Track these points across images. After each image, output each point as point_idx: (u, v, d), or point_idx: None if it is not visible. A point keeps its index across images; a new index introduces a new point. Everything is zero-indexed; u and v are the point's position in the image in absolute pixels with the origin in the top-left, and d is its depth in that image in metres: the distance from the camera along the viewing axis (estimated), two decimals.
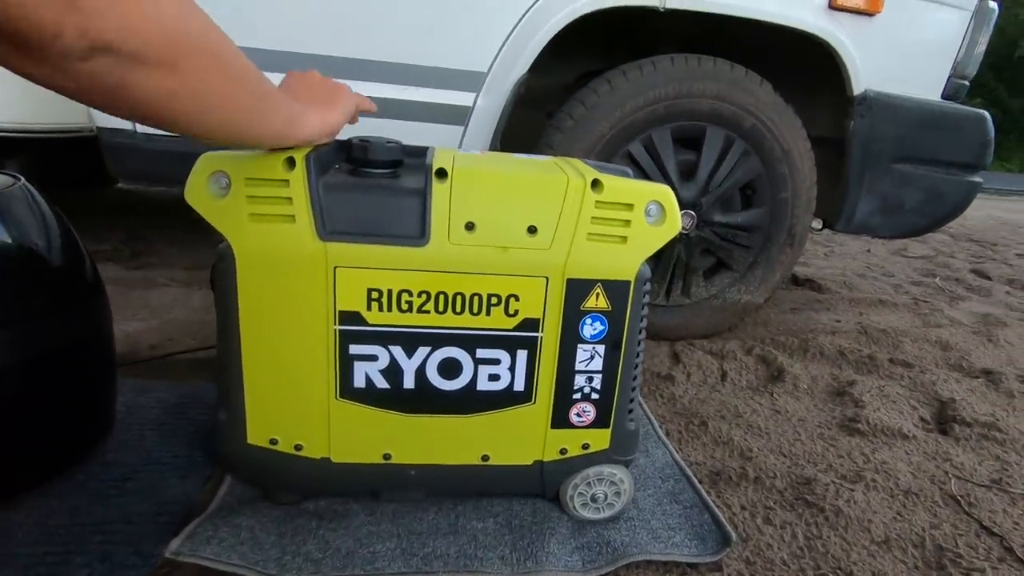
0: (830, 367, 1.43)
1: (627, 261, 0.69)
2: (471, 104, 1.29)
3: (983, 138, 1.48)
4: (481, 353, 0.70)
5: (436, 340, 0.69)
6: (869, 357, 1.47)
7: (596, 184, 0.67)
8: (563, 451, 0.76)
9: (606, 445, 0.77)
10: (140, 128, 1.26)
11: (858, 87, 1.38)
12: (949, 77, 1.46)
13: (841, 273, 2.52)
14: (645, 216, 0.69)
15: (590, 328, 0.71)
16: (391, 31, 1.24)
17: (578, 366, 0.72)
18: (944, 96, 1.48)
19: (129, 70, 0.38)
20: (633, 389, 0.76)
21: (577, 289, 0.69)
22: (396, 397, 0.70)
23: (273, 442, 0.70)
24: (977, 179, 1.54)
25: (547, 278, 0.68)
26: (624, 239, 0.69)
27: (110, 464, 0.82)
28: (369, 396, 0.70)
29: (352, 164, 0.69)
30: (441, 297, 0.67)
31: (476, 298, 0.68)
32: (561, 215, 0.67)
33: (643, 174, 1.33)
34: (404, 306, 0.67)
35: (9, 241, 0.72)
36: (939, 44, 1.44)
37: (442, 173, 0.65)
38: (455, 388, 0.71)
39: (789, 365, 1.38)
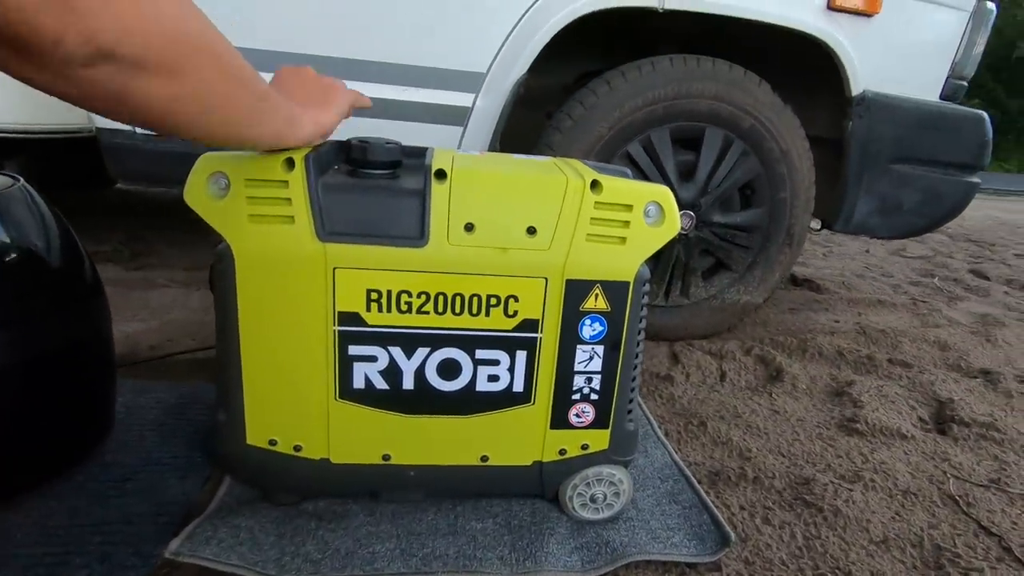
0: (829, 367, 1.43)
1: (626, 262, 0.69)
2: (470, 105, 1.29)
3: (981, 139, 1.48)
4: (480, 354, 0.70)
5: (435, 341, 0.69)
6: (868, 357, 1.47)
7: (595, 185, 0.68)
8: (562, 452, 0.76)
9: (605, 446, 0.77)
10: (140, 129, 1.26)
11: (856, 88, 1.39)
12: (947, 78, 1.47)
13: (840, 273, 2.53)
14: (644, 217, 0.69)
15: (589, 329, 0.71)
16: (390, 32, 1.24)
17: (577, 367, 0.72)
18: (942, 97, 1.48)
19: (131, 76, 0.38)
20: (632, 390, 0.76)
21: (576, 290, 0.69)
22: (395, 398, 0.70)
23: (272, 443, 0.70)
24: (975, 179, 1.54)
25: (546, 279, 0.68)
26: (623, 240, 0.69)
27: (109, 465, 0.82)
28: (368, 397, 0.70)
29: (351, 165, 0.69)
30: (440, 298, 0.67)
31: (475, 299, 0.68)
32: (560, 216, 0.67)
33: (642, 175, 1.33)
34: (403, 307, 0.67)
35: (8, 242, 0.72)
36: (937, 45, 1.44)
37: (441, 174, 0.65)
38: (454, 389, 0.71)
39: (788, 365, 1.38)
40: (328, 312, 0.66)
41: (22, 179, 0.80)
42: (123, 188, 2.95)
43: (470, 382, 0.71)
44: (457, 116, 1.29)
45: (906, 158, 1.47)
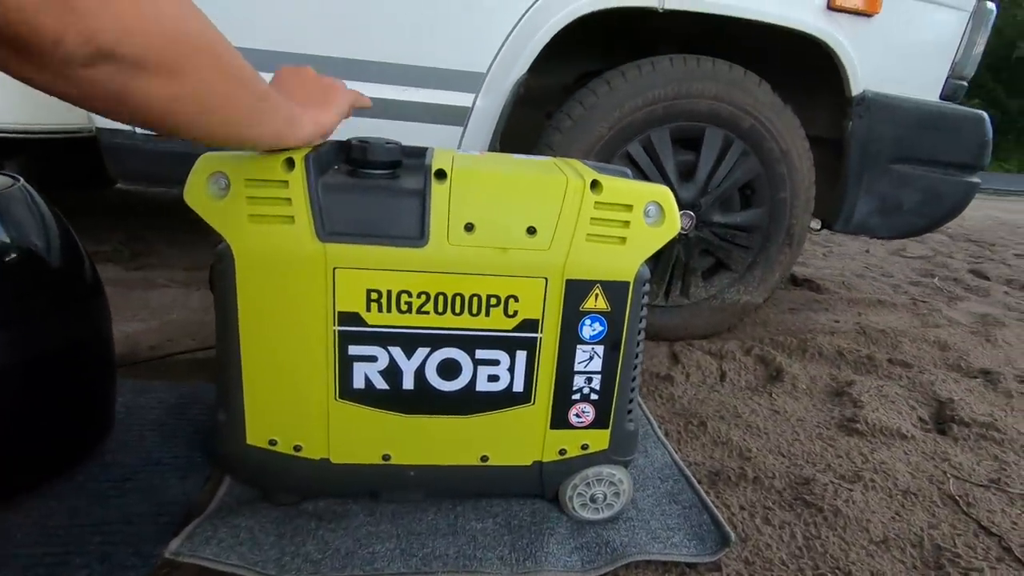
0: (829, 367, 1.43)
1: (626, 262, 0.69)
2: (470, 105, 1.29)
3: (981, 139, 1.48)
4: (480, 354, 0.70)
5: (435, 341, 0.69)
6: (868, 357, 1.47)
7: (595, 185, 0.68)
8: (562, 452, 0.76)
9: (605, 446, 0.77)
10: (139, 129, 1.26)
11: (856, 88, 1.39)
12: (947, 78, 1.47)
13: (840, 273, 2.53)
14: (644, 217, 0.69)
15: (589, 329, 0.71)
16: (390, 32, 1.24)
17: (577, 367, 0.72)
18: (942, 97, 1.48)
19: (132, 76, 0.38)
20: (632, 390, 0.76)
21: (576, 290, 0.69)
22: (395, 398, 0.70)
23: (272, 443, 0.70)
24: (975, 179, 1.54)
25: (546, 279, 0.68)
26: (623, 240, 0.69)
27: (109, 465, 0.82)
28: (368, 397, 0.70)
29: (351, 165, 0.69)
30: (440, 298, 0.67)
31: (475, 299, 0.68)
32: (560, 216, 0.67)
33: (642, 175, 1.33)
34: (403, 307, 0.67)
35: (8, 242, 0.72)
36: (937, 45, 1.44)
37: (441, 174, 0.65)
38: (454, 389, 0.71)
39: (788, 365, 1.38)
40: (328, 312, 0.66)
41: (22, 179, 0.80)
42: (123, 188, 2.95)
43: (470, 382, 0.71)
44: (457, 116, 1.29)
45: (906, 158, 1.47)
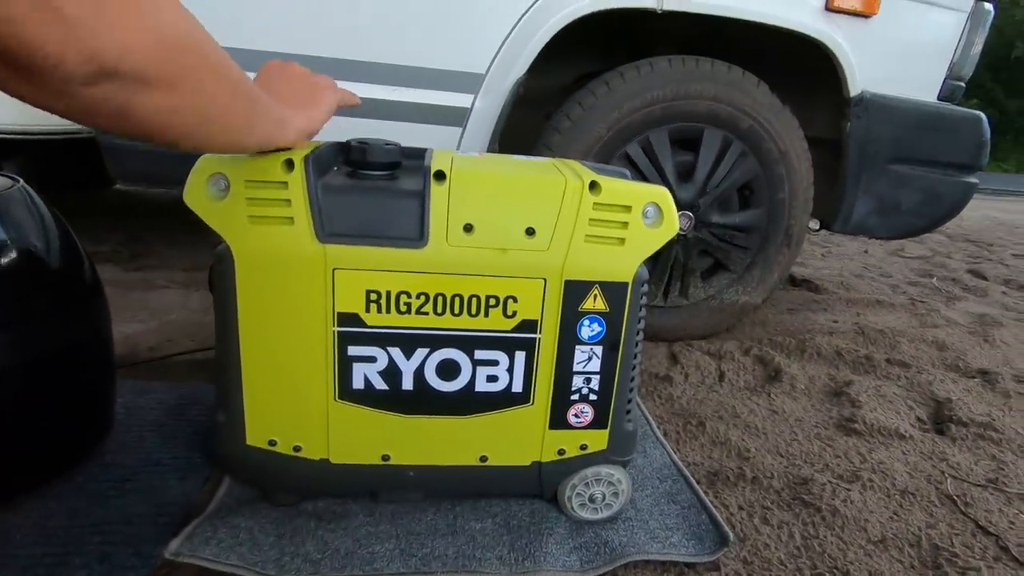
0: (827, 367, 1.43)
1: (625, 262, 0.70)
2: (469, 105, 1.29)
3: (979, 139, 1.48)
4: (479, 354, 0.70)
5: (434, 341, 0.69)
6: (866, 357, 1.47)
7: (594, 186, 0.68)
8: (561, 452, 0.76)
9: (604, 446, 0.77)
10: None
11: (855, 88, 1.39)
12: (945, 78, 1.47)
13: (838, 274, 2.53)
14: (643, 218, 0.69)
15: (588, 329, 0.71)
16: (389, 32, 1.24)
17: (576, 367, 0.72)
18: (940, 97, 1.49)
19: (134, 92, 0.37)
20: (631, 390, 0.76)
21: (575, 290, 0.69)
22: (395, 398, 0.71)
23: (272, 443, 0.71)
24: (973, 180, 1.55)
25: (545, 280, 0.68)
26: (622, 241, 0.69)
27: (109, 465, 0.82)
28: (368, 397, 0.70)
29: (350, 166, 0.70)
30: (439, 299, 0.67)
31: (474, 299, 0.68)
32: (559, 217, 0.68)
33: (641, 175, 1.33)
34: (403, 308, 0.67)
35: (8, 243, 0.72)
36: (935, 45, 1.45)
37: (440, 175, 0.66)
38: (453, 389, 0.71)
39: (786, 365, 1.38)
40: (327, 313, 0.66)
41: (22, 180, 0.80)
42: (123, 188, 2.95)
43: (469, 382, 0.71)
44: (456, 117, 1.29)
45: (904, 158, 1.47)
